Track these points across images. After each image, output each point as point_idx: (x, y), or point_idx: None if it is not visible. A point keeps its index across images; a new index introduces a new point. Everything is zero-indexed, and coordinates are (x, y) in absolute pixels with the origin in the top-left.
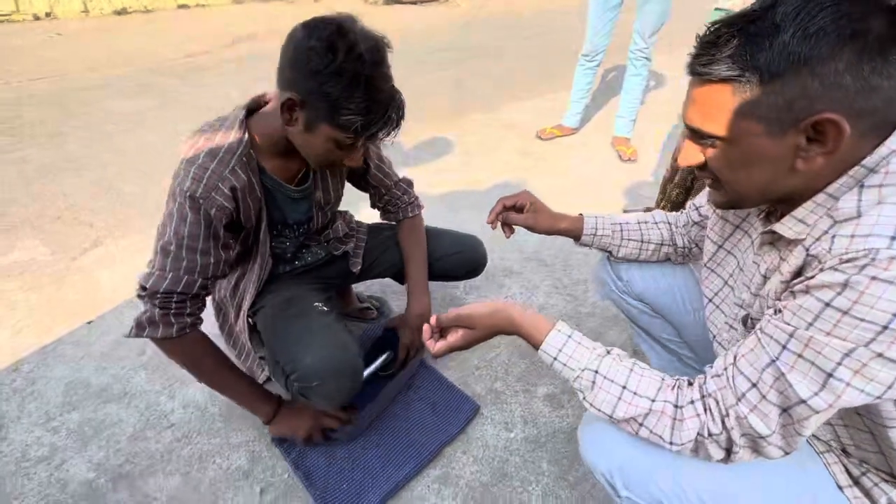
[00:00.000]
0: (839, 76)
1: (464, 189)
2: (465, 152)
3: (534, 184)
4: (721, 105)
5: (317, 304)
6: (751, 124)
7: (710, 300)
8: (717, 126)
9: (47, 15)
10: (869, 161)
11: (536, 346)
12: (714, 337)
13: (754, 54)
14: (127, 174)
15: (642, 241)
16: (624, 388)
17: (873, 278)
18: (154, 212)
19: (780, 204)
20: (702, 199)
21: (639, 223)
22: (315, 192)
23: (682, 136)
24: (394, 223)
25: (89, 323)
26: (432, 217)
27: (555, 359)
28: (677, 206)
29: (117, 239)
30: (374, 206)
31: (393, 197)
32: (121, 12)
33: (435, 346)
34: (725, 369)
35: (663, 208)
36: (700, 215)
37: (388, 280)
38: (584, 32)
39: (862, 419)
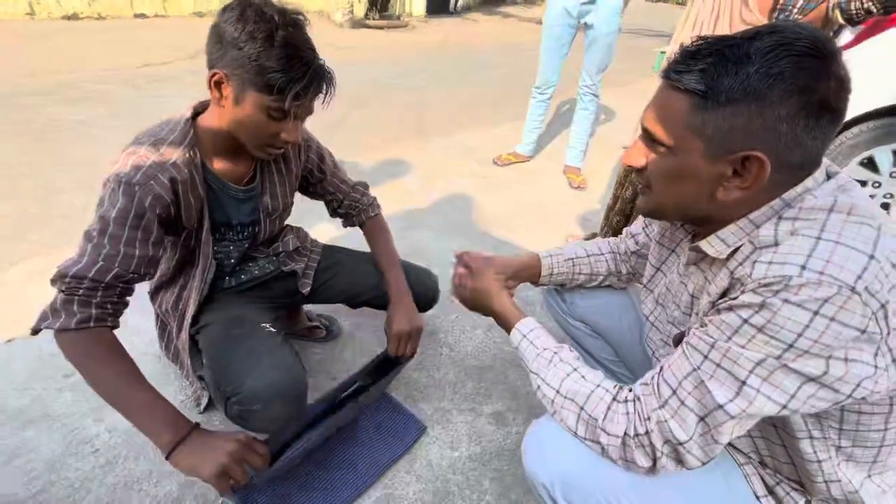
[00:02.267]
0: (779, 122)
1: (421, 210)
2: (423, 174)
3: (489, 207)
4: (678, 114)
5: (264, 324)
6: (694, 140)
7: (647, 318)
8: (667, 133)
9: None
10: (787, 196)
11: (510, 326)
12: (653, 353)
13: (720, 76)
14: (67, 185)
15: (592, 274)
16: (575, 369)
17: (785, 301)
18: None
19: (699, 226)
20: (636, 226)
21: (588, 256)
22: (263, 197)
23: (622, 167)
24: (345, 244)
25: (9, 342)
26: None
27: (524, 336)
28: (618, 232)
29: (51, 253)
30: (333, 214)
31: (353, 200)
32: (71, 17)
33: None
34: (653, 378)
35: (605, 235)
36: (637, 244)
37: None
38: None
39: (777, 432)
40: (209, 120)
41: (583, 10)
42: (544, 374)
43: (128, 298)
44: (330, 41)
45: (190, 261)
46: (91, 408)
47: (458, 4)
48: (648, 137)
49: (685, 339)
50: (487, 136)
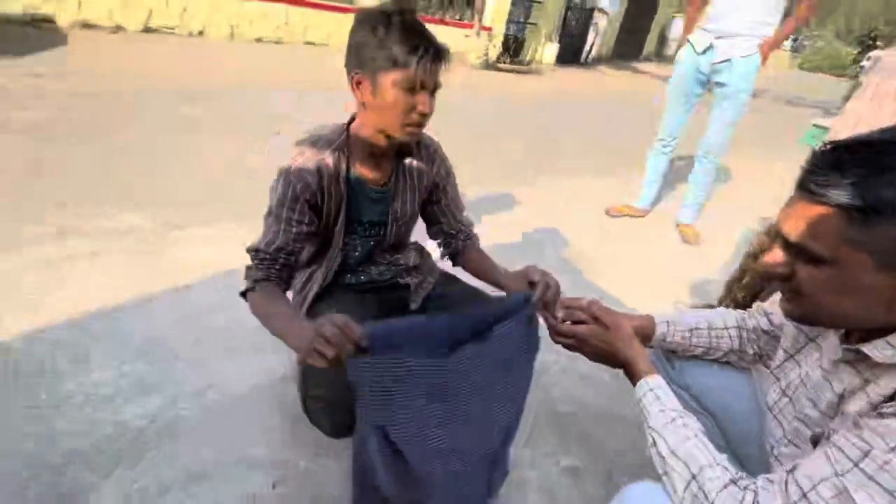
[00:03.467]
0: None
1: (525, 248)
2: (532, 213)
3: (595, 256)
4: (832, 229)
5: None
6: (861, 255)
7: (770, 409)
8: (823, 248)
9: (200, 33)
10: None
11: (638, 376)
12: (771, 450)
13: (878, 188)
14: (225, 169)
15: (710, 348)
16: (697, 436)
17: None
18: (247, 209)
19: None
20: (774, 305)
21: (709, 330)
22: (394, 202)
23: (758, 239)
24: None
25: (178, 290)
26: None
27: (651, 389)
28: (740, 307)
29: (222, 222)
30: (435, 236)
31: (458, 230)
32: (259, 40)
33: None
34: (780, 476)
35: (725, 307)
36: (771, 324)
37: None
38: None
39: None
40: (356, 125)
41: (715, 69)
42: (663, 431)
43: (290, 269)
44: (460, 80)
45: (322, 250)
46: (228, 357)
47: (590, 57)
48: (798, 250)
49: (829, 439)
50: (601, 184)
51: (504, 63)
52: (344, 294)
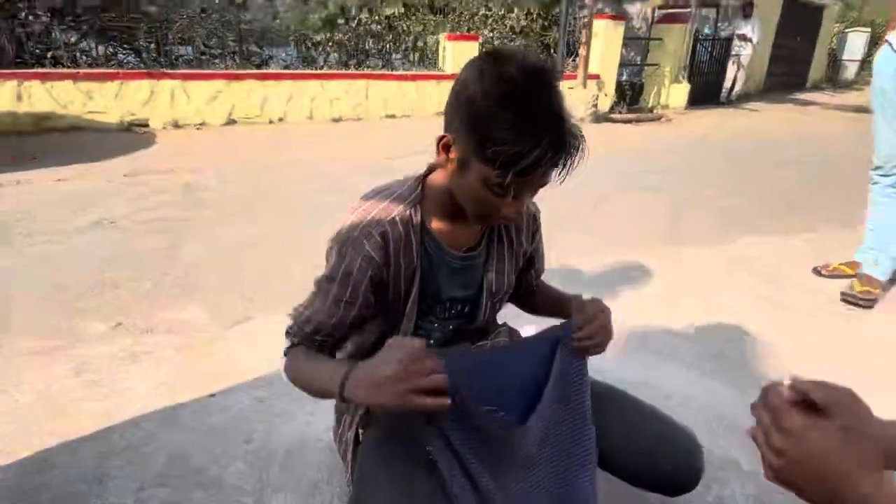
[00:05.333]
0: None
1: (666, 335)
2: (671, 288)
3: (781, 343)
4: None
5: (429, 448)
6: None
7: None
8: None
9: (280, 120)
10: None
11: None
12: None
13: None
14: (296, 259)
15: None
16: None
17: None
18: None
19: None
20: None
21: None
22: (487, 273)
23: None
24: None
25: (212, 396)
26: (619, 370)
27: None
28: None
29: (267, 317)
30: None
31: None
32: (337, 119)
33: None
34: None
35: None
36: None
37: None
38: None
39: None
40: (437, 179)
41: None
42: None
43: (332, 347)
44: None
45: (388, 334)
46: (255, 486)
47: (733, 94)
48: None
49: None
50: (772, 244)
51: (620, 112)
52: None
